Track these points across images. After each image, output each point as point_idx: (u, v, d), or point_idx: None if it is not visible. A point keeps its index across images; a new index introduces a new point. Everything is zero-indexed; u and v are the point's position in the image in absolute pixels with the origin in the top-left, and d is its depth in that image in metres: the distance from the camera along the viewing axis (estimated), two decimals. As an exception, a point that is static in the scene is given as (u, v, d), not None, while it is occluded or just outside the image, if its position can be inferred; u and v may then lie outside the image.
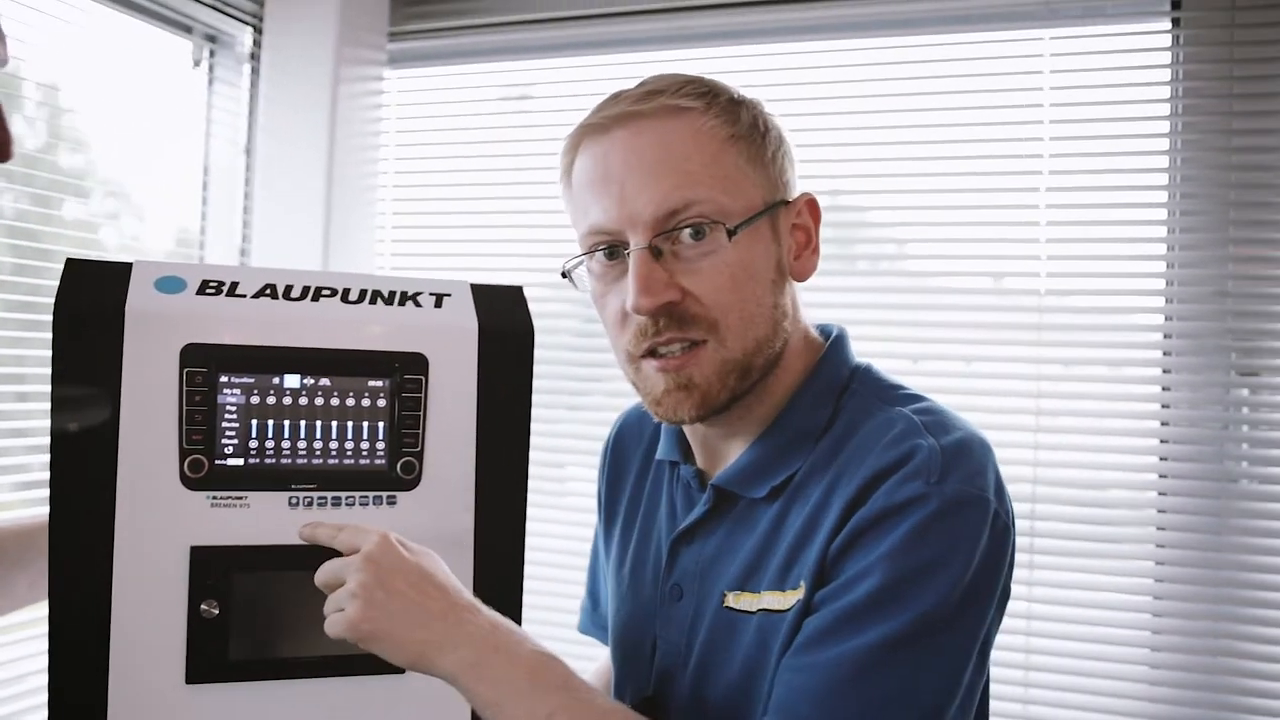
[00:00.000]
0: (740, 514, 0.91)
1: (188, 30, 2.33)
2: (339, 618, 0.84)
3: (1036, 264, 2.02)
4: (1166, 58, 1.96)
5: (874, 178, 2.17)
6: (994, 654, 1.92)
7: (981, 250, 2.08)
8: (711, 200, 0.84)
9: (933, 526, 0.77)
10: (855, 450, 0.84)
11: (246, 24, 2.38)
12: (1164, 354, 1.95)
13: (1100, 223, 1.99)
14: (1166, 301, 1.95)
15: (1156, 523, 1.94)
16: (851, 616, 0.77)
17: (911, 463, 0.79)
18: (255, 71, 2.42)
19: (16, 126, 1.92)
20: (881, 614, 0.75)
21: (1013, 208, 2.05)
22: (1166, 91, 1.95)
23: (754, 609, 0.85)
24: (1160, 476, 1.93)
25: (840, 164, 2.19)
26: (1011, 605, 1.91)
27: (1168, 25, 1.97)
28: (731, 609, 0.87)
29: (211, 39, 2.39)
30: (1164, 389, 1.95)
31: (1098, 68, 2.00)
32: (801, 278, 0.89)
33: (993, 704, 1.92)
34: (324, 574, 0.87)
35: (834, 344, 0.93)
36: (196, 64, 2.37)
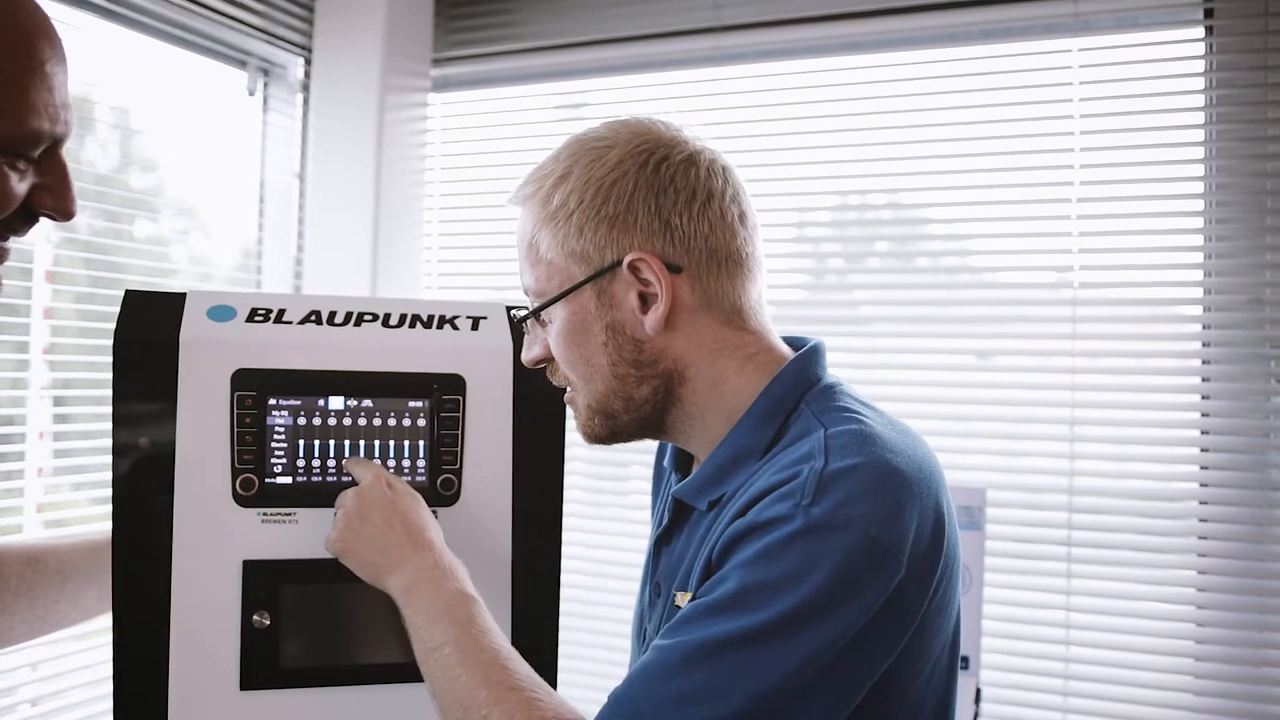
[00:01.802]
0: (694, 522, 0.98)
1: (242, 63, 2.42)
2: (329, 535, 1.03)
3: (1070, 275, 2.03)
4: (1200, 65, 1.96)
5: (909, 190, 2.19)
6: (1032, 663, 1.94)
7: (1015, 261, 2.09)
8: (534, 285, 0.98)
9: (790, 545, 0.80)
10: (766, 468, 0.90)
11: (298, 55, 2.47)
12: (1203, 362, 1.95)
13: (1135, 232, 1.99)
14: (1204, 310, 1.95)
15: (1198, 532, 1.93)
16: (700, 613, 0.83)
17: (790, 484, 0.84)
18: (306, 100, 2.51)
19: (89, 150, 2.03)
20: (723, 616, 0.81)
21: (1046, 218, 2.06)
22: (1200, 99, 1.95)
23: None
24: (1201, 485, 1.92)
25: (873, 178, 2.21)
26: (1049, 614, 1.93)
27: (1200, 32, 1.96)
28: (678, 607, 0.94)
29: (265, 70, 2.48)
30: (1203, 398, 1.94)
31: (1130, 77, 2.00)
32: (651, 332, 0.94)
33: (1034, 713, 1.94)
34: (338, 500, 1.05)
35: (791, 365, 0.97)
36: (251, 93, 2.47)
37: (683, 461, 1.08)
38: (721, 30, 2.28)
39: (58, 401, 1.97)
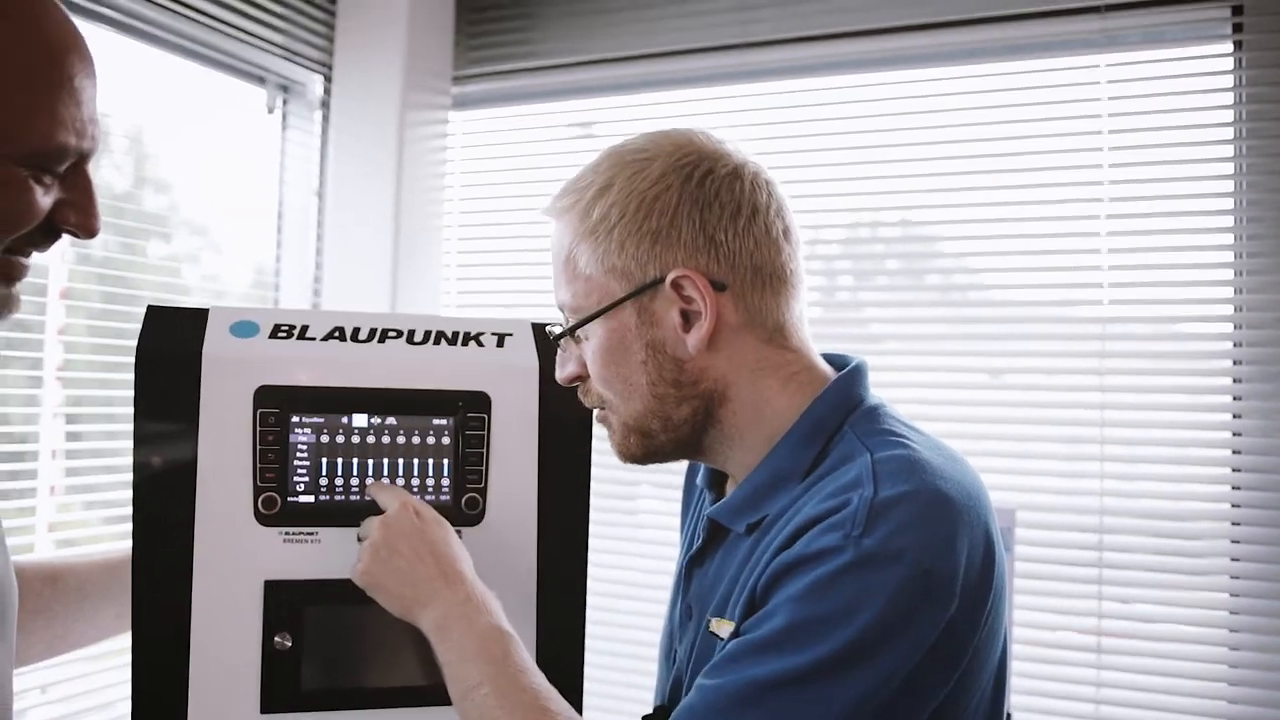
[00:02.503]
0: (730, 545, 0.95)
1: (261, 80, 2.42)
2: (355, 565, 0.99)
3: (1099, 291, 2.01)
4: (1229, 80, 1.94)
5: (936, 208, 2.17)
6: (1063, 687, 1.90)
7: (1043, 279, 2.07)
8: (570, 301, 0.95)
9: (841, 578, 0.78)
10: (813, 494, 0.87)
11: (317, 73, 2.47)
12: (1234, 381, 1.92)
13: (1165, 249, 1.97)
14: (1235, 328, 1.92)
15: (1231, 553, 1.89)
16: (748, 651, 0.80)
17: (840, 513, 0.81)
18: (326, 118, 2.51)
19: (104, 172, 2.03)
20: (772, 654, 0.78)
21: (1074, 235, 2.03)
22: (1229, 115, 1.93)
23: (724, 635, 0.89)
24: (1233, 506, 1.89)
25: (900, 195, 2.19)
26: (1079, 639, 1.89)
27: (1229, 48, 1.94)
28: (713, 634, 0.92)
29: (284, 88, 2.48)
30: (1235, 416, 1.91)
31: (1158, 93, 1.98)
32: (693, 351, 0.91)
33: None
34: (361, 529, 1.02)
35: (834, 385, 0.94)
36: (270, 111, 2.47)
37: (717, 480, 1.05)
38: (747, 47, 2.27)
39: (70, 419, 1.96)
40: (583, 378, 0.99)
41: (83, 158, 0.80)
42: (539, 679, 0.89)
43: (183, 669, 1.01)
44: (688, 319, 0.91)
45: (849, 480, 0.84)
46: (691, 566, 1.01)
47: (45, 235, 0.82)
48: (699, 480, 1.09)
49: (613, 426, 0.98)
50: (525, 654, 0.91)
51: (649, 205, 0.90)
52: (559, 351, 1.01)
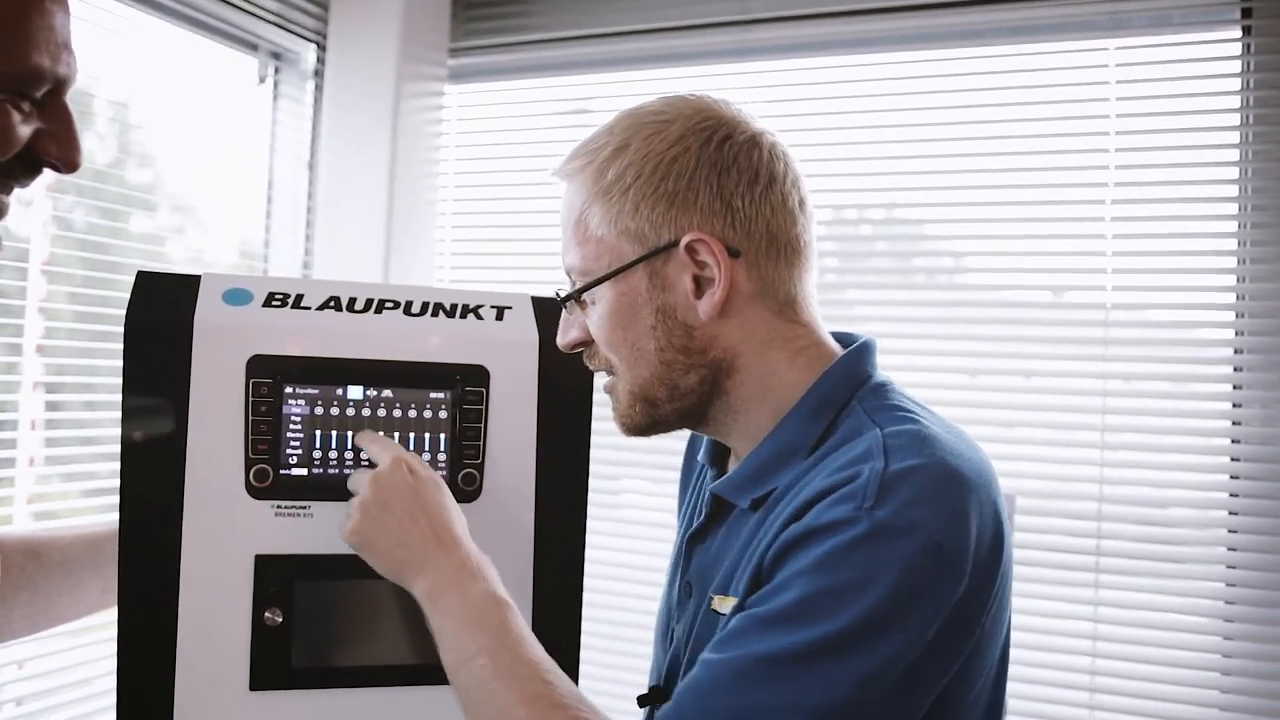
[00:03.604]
0: (734, 521, 0.94)
1: (253, 48, 2.38)
2: (343, 523, 0.95)
3: (1102, 277, 1.99)
4: (1237, 66, 1.92)
5: (937, 190, 2.15)
6: (1058, 675, 1.89)
7: (1047, 264, 2.05)
8: (579, 264, 0.93)
9: (854, 550, 0.76)
10: (822, 468, 0.85)
11: (310, 41, 2.43)
12: (1235, 369, 1.91)
13: (1168, 235, 1.95)
14: (1237, 316, 1.90)
15: (1228, 543, 1.89)
16: (759, 623, 0.78)
17: (851, 485, 0.79)
18: (319, 88, 2.46)
19: (88, 142, 1.98)
20: (783, 627, 0.76)
21: (1078, 220, 2.01)
22: (1237, 101, 1.91)
23: (727, 612, 0.87)
24: (1231, 495, 1.88)
25: (901, 176, 2.17)
26: (1076, 625, 1.89)
27: (1238, 33, 1.92)
28: (715, 611, 0.90)
29: (276, 56, 2.43)
30: (1235, 405, 1.90)
31: (1166, 77, 1.96)
32: (704, 318, 0.89)
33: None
34: (351, 483, 0.98)
35: (842, 359, 0.92)
36: (262, 80, 2.42)
37: (719, 456, 1.03)
38: (746, 24, 2.24)
39: (50, 390, 1.93)
40: (586, 343, 0.97)
41: (59, 85, 0.77)
42: (537, 649, 0.86)
43: (170, 645, 0.98)
44: (700, 285, 0.89)
45: (859, 453, 0.82)
46: (692, 543, 0.99)
47: (26, 169, 0.78)
48: (700, 456, 1.08)
49: (618, 394, 0.95)
50: (523, 623, 0.88)
51: (666, 167, 0.88)
52: (563, 316, 0.98)
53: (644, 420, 0.95)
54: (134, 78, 2.10)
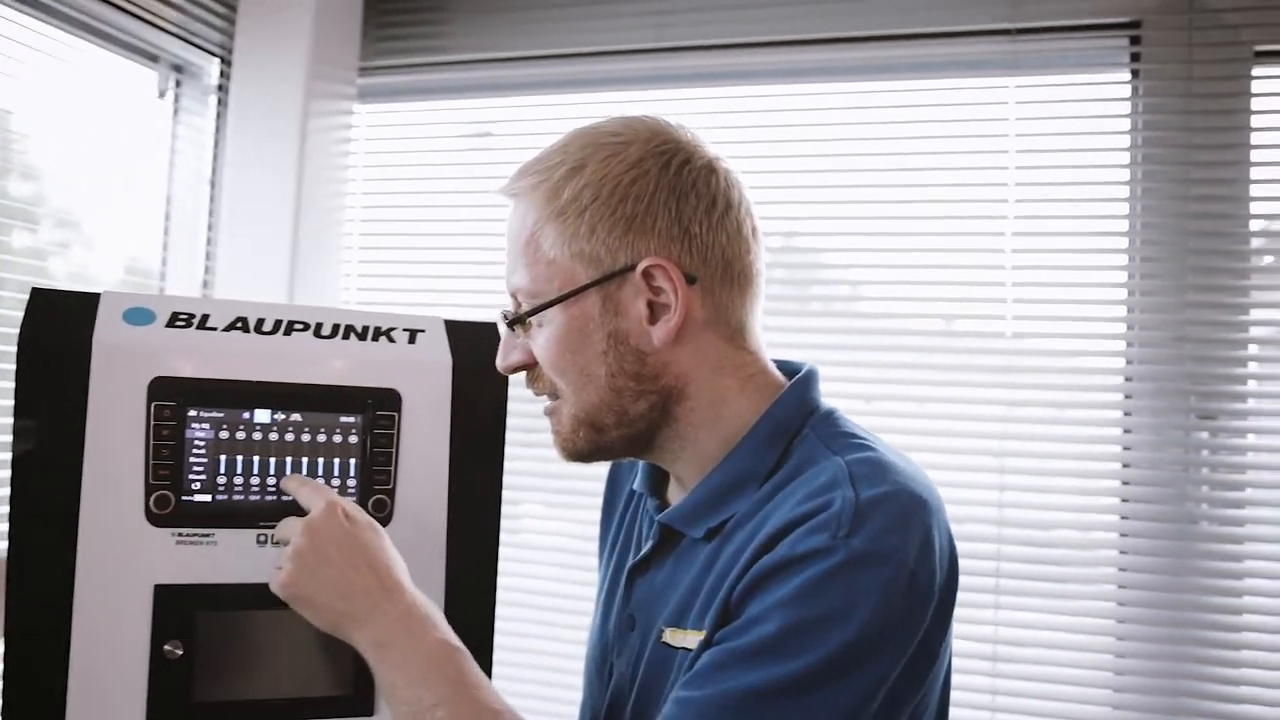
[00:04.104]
0: (684, 551, 0.92)
1: (154, 60, 2.31)
2: (275, 575, 0.91)
3: (1003, 307, 2.05)
4: (1127, 108, 2.01)
5: (840, 220, 2.19)
6: (960, 695, 1.93)
7: (950, 293, 2.11)
8: (528, 285, 0.90)
9: (832, 579, 0.76)
10: (784, 498, 0.85)
11: (214, 56, 2.37)
12: (1125, 397, 1.98)
13: (1064, 267, 2.03)
14: (1128, 345, 1.98)
15: (1119, 564, 1.96)
16: (737, 658, 0.77)
17: (823, 514, 0.79)
18: (222, 103, 2.40)
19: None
20: (765, 660, 0.75)
21: (979, 251, 2.08)
22: (1127, 140, 2.00)
23: (683, 646, 0.87)
24: (1122, 518, 1.96)
25: (805, 205, 2.20)
26: (977, 647, 1.94)
27: (1127, 76, 2.02)
28: (667, 644, 0.89)
29: (178, 69, 2.37)
30: (1125, 431, 1.98)
31: (1061, 116, 2.05)
32: (658, 345, 0.89)
33: (959, 746, 1.94)
34: (278, 531, 0.95)
35: (792, 387, 0.93)
36: (162, 94, 2.35)
37: (657, 484, 1.02)
38: (662, 51, 2.27)
39: None
40: (529, 366, 0.94)
41: None
42: (495, 695, 0.84)
43: (61, 679, 0.94)
44: (654, 311, 0.88)
45: (824, 482, 0.82)
46: (634, 574, 0.97)
47: None
48: (635, 485, 1.06)
49: (561, 419, 0.93)
50: (477, 668, 0.86)
51: (624, 189, 0.87)
52: (504, 337, 0.96)
53: (587, 446, 0.93)
54: (20, 85, 2.01)
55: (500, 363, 0.96)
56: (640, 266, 0.87)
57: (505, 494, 2.19)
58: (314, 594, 0.89)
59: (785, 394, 0.92)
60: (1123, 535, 1.95)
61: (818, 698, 0.74)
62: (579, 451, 0.93)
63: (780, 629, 0.76)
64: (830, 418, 0.92)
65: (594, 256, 0.88)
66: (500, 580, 2.23)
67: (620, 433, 0.91)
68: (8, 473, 0.95)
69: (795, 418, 0.91)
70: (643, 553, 0.97)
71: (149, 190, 2.35)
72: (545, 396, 0.95)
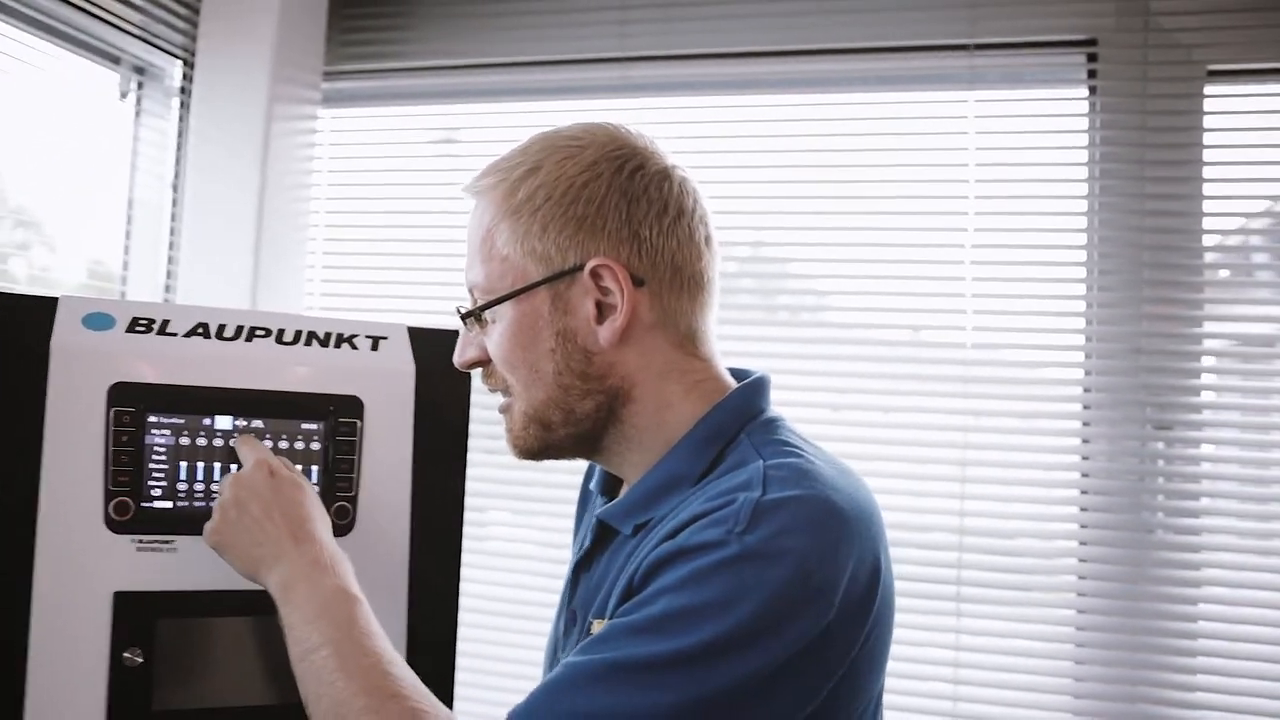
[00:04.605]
0: (616, 547, 0.94)
1: (115, 61, 2.29)
2: (205, 524, 0.97)
3: (962, 318, 2.08)
4: (1084, 123, 2.04)
5: (803, 230, 2.21)
6: (921, 702, 1.95)
7: (910, 304, 2.13)
8: (483, 282, 0.93)
9: (719, 571, 0.77)
10: (699, 494, 0.87)
11: (177, 58, 2.35)
12: (1083, 407, 2.01)
13: (1023, 279, 2.05)
14: (1086, 357, 2.02)
15: (1077, 572, 1.99)
16: (618, 634, 0.79)
17: (725, 510, 0.80)
18: (185, 106, 2.38)
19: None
20: (641, 638, 0.77)
21: (939, 263, 2.10)
22: (1084, 155, 2.04)
23: None
24: (1081, 527, 1.98)
25: (769, 215, 2.22)
26: (938, 654, 1.95)
27: (1084, 92, 2.05)
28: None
29: (140, 70, 2.34)
30: (1083, 441, 2.01)
31: (1020, 130, 2.08)
32: (604, 344, 0.90)
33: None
34: (218, 485, 1.01)
35: (734, 394, 0.94)
36: (123, 96, 2.33)
37: (610, 485, 1.04)
38: (627, 60, 2.28)
39: None
40: (483, 362, 0.96)
41: None
42: (383, 643, 0.86)
43: (19, 687, 0.93)
44: (602, 311, 0.90)
45: (739, 483, 0.83)
46: (579, 571, 0.99)
47: None
48: (593, 485, 1.08)
49: (513, 415, 0.95)
50: (371, 618, 0.88)
51: (577, 191, 0.89)
52: (461, 334, 0.98)
53: (536, 443, 0.95)
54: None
55: (457, 358, 0.98)
56: (588, 266, 0.89)
57: (471, 500, 2.20)
58: (233, 541, 0.94)
59: (725, 399, 0.93)
60: (1082, 544, 1.98)
61: (676, 679, 0.75)
62: (529, 449, 0.95)
63: (663, 611, 0.77)
64: (769, 425, 0.93)
65: (545, 255, 0.90)
66: (467, 586, 2.23)
67: (567, 431, 0.93)
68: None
69: (733, 423, 0.92)
70: (583, 549, 0.99)
71: (112, 192, 2.32)
72: (500, 393, 0.97)
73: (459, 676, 2.12)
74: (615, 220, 0.89)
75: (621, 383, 0.92)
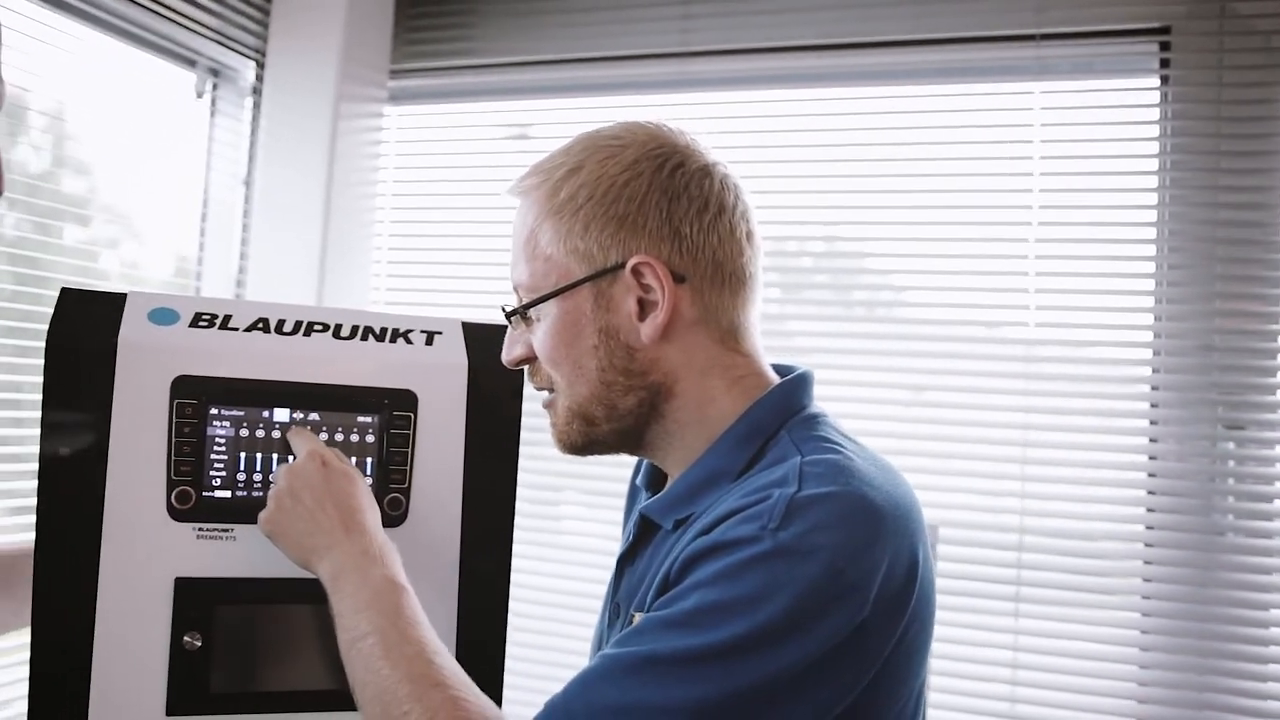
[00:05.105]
0: (659, 541, 0.95)
1: (191, 64, 2.36)
2: (260, 513, 0.98)
3: (1026, 314, 2.04)
4: (1155, 114, 1.99)
5: (869, 225, 2.19)
6: (978, 704, 1.92)
7: (972, 299, 2.10)
8: (527, 280, 0.95)
9: (752, 567, 0.78)
10: (736, 490, 0.87)
11: (250, 59, 2.41)
12: (1151, 405, 1.97)
13: (1089, 274, 2.01)
14: (1154, 354, 1.97)
15: (1143, 574, 1.94)
16: (652, 627, 0.80)
17: (759, 505, 0.81)
18: (257, 105, 2.45)
19: (21, 152, 1.95)
20: (674, 631, 0.78)
21: (1003, 257, 2.07)
22: (1155, 147, 1.98)
23: None
24: (1147, 528, 1.94)
25: (837, 210, 2.21)
26: (995, 654, 1.93)
27: (1156, 82, 2.00)
28: None
29: (215, 72, 2.41)
30: (1151, 440, 1.96)
31: (1088, 122, 2.03)
32: (646, 341, 0.91)
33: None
34: (273, 475, 1.02)
35: (776, 390, 0.94)
36: (200, 96, 2.40)
37: (656, 480, 1.05)
38: (687, 56, 2.28)
39: None
40: (530, 360, 0.98)
41: None
42: (428, 633, 0.87)
43: (85, 668, 0.97)
44: (644, 308, 0.91)
45: (775, 479, 0.84)
46: (623, 564, 1.01)
47: None
48: (639, 480, 1.09)
49: (557, 411, 0.97)
50: (418, 608, 0.89)
51: (618, 190, 0.90)
52: (509, 332, 1.00)
53: (580, 439, 0.96)
54: (71, 88, 2.07)
55: (504, 356, 1.00)
56: (630, 264, 0.90)
57: (542, 494, 2.23)
58: (286, 529, 0.96)
59: (767, 395, 0.94)
60: (1147, 545, 1.94)
61: (708, 672, 0.76)
62: (573, 444, 0.97)
63: (696, 606, 0.78)
64: (812, 420, 0.93)
65: (588, 253, 0.91)
66: (539, 580, 2.25)
67: (610, 426, 0.95)
68: (35, 467, 0.97)
69: (773, 419, 0.92)
70: (627, 543, 1.00)
71: (190, 189, 2.40)
72: (545, 390, 0.98)
73: (531, 668, 2.16)
74: (656, 218, 0.90)
75: (664, 379, 0.93)
